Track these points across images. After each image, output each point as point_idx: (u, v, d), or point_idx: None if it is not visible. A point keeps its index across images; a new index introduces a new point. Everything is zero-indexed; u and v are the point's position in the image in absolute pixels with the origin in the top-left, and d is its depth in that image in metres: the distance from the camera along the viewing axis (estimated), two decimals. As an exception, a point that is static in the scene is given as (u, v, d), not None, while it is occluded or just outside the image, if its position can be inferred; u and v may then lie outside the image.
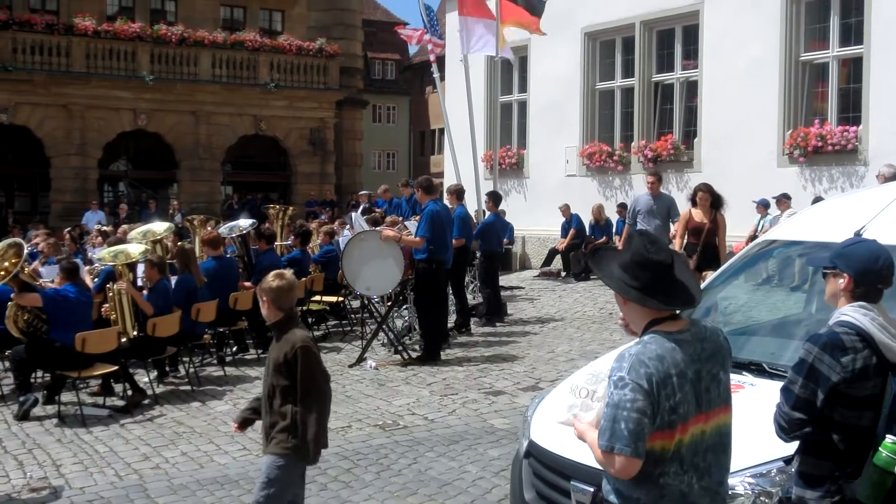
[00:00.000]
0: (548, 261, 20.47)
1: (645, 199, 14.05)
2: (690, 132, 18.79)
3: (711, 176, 17.55)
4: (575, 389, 3.67)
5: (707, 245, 11.86)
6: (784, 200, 15.80)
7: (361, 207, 21.88)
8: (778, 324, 6.11)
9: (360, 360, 11.96)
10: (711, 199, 12.02)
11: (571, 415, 3.58)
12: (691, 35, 18.62)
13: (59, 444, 8.73)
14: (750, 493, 3.96)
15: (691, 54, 18.70)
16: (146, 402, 10.22)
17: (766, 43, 16.90)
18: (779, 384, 3.92)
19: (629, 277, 3.41)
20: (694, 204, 12.14)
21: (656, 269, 3.40)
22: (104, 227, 20.30)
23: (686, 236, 12.12)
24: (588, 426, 3.50)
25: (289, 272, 5.70)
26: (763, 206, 16.39)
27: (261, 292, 5.50)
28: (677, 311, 3.47)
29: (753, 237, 14.38)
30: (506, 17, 17.95)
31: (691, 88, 18.76)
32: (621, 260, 3.47)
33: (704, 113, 18.18)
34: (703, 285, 6.10)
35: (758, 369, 4.81)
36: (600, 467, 4.06)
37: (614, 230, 19.06)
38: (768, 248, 6.17)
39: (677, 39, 18.96)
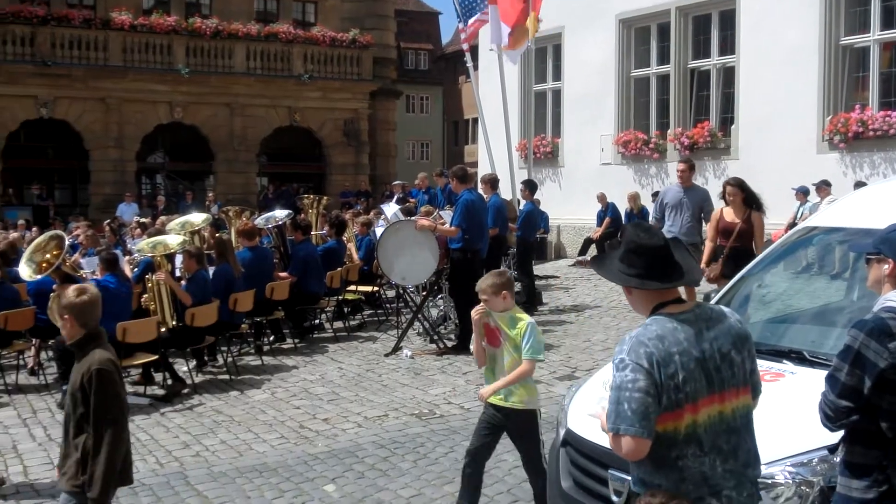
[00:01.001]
0: (583, 249, 20.41)
1: (674, 191, 12.31)
2: (727, 119, 18.64)
3: (749, 163, 17.46)
4: (605, 384, 3.68)
5: (737, 250, 10.11)
6: (824, 187, 15.66)
7: (396, 197, 21.89)
8: (819, 311, 6.04)
9: (396, 349, 12.00)
10: (744, 196, 10.40)
11: (600, 407, 3.59)
12: (728, 21, 18.45)
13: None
14: (791, 482, 3.92)
15: (728, 40, 18.53)
16: (185, 391, 10.31)
17: (806, 27, 16.72)
18: (820, 372, 3.89)
19: (626, 266, 3.47)
20: (726, 202, 10.66)
21: (651, 253, 3.45)
22: (143, 219, 20.49)
23: (717, 239, 10.56)
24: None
25: (92, 286, 5.22)
26: (802, 193, 16.24)
27: (60, 308, 5.03)
28: (682, 296, 3.51)
29: (793, 225, 14.24)
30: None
31: (728, 75, 18.60)
32: (618, 253, 3.52)
33: (742, 99, 18.03)
34: (726, 287, 6.06)
35: (798, 357, 4.76)
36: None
37: (650, 219, 18.94)
38: (808, 236, 6.10)
39: (714, 25, 18.79)
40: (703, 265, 10.12)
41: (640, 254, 3.44)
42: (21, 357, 11.65)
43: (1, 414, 9.51)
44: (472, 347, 6.39)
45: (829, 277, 6.60)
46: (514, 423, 5.96)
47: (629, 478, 4.10)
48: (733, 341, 3.42)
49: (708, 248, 10.66)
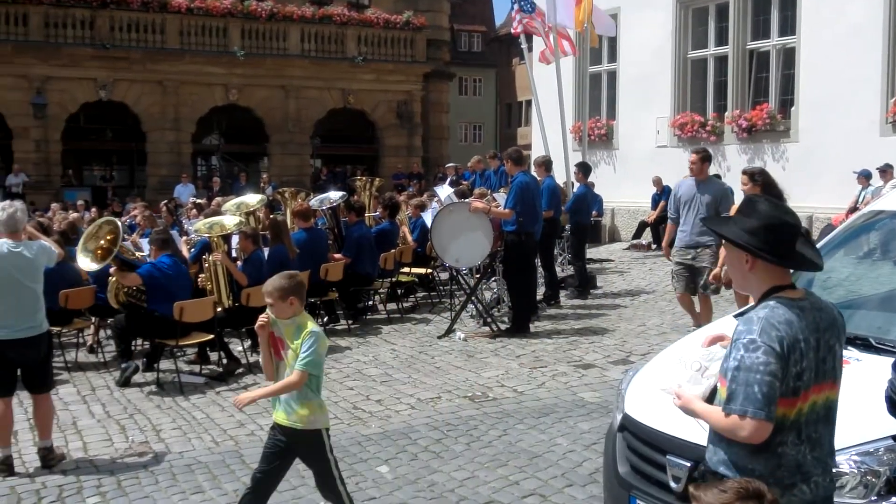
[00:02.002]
0: (638, 233, 20.25)
1: (687, 185, 10.85)
2: (787, 101, 18.33)
3: (809, 146, 17.21)
4: (686, 362, 3.63)
5: None
6: (888, 171, 15.37)
7: (449, 180, 21.89)
8: (884, 298, 5.90)
9: (449, 331, 12.00)
10: (763, 188, 9.10)
11: (676, 384, 3.54)
12: (788, 0, 18.12)
13: (158, 410, 8.95)
14: (856, 471, 3.86)
15: (788, 20, 18.21)
16: (240, 370, 10.40)
17: (868, 7, 16.37)
18: (886, 359, 3.81)
19: (759, 240, 3.36)
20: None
21: (788, 231, 3.38)
22: (199, 200, 20.68)
23: None
24: (694, 397, 3.48)
25: None
26: (864, 176, 15.94)
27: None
28: (793, 283, 3.45)
29: (854, 209, 13.99)
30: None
31: (788, 56, 18.28)
32: (746, 224, 3.41)
33: (802, 81, 17.71)
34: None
35: (864, 344, 4.67)
36: (698, 441, 4.02)
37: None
38: (873, 220, 5.98)
39: (773, 5, 18.46)
40: (717, 268, 9.71)
41: (777, 231, 3.36)
42: (81, 335, 11.83)
43: (61, 391, 9.66)
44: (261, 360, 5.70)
45: (894, 263, 6.46)
46: (299, 445, 5.39)
47: (688, 464, 4.09)
48: (837, 333, 3.39)
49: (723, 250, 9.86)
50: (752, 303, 3.50)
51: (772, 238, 3.35)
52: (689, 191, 10.64)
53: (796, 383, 3.22)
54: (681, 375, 3.60)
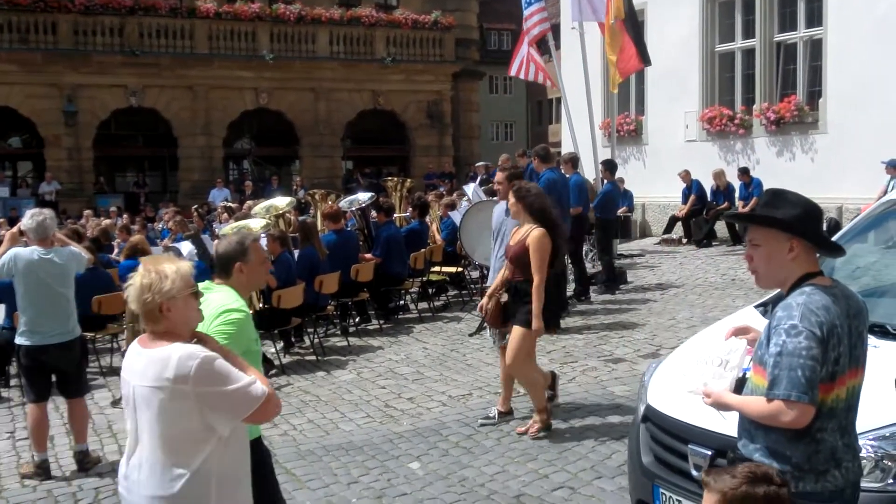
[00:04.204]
0: (668, 228, 20.18)
1: (499, 211, 9.23)
2: (815, 93, 18.20)
3: (838, 138, 17.08)
4: (706, 360, 3.67)
5: (515, 284, 7.63)
6: (916, 161, 15.23)
7: (479, 178, 21.91)
8: (901, 285, 5.93)
9: (480, 329, 12.01)
10: (525, 203, 7.52)
11: (702, 383, 3.58)
12: (815, -9, 18.01)
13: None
14: (872, 455, 3.89)
15: (815, 12, 18.08)
16: (273, 371, 10.50)
17: (897, -3, 16.24)
18: (902, 346, 3.83)
19: (806, 228, 3.42)
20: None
21: (820, 219, 3.50)
22: (230, 204, 20.86)
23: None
24: (724, 391, 3.51)
25: None
26: (893, 167, 15.80)
27: None
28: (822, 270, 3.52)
29: (883, 199, 13.88)
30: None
31: (815, 47, 18.15)
32: (789, 213, 3.44)
33: (830, 72, 17.57)
34: None
35: (881, 331, 4.69)
36: (718, 431, 4.05)
37: (736, 195, 18.66)
38: (893, 209, 5.98)
39: (800, -3, 18.36)
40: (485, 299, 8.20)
41: (816, 217, 3.46)
42: (115, 340, 11.99)
43: (96, 395, 9.82)
44: None
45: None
46: None
47: (709, 453, 4.12)
48: (864, 320, 3.44)
49: (497, 280, 8.09)
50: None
51: (814, 224, 3.44)
52: (498, 217, 9.18)
53: (834, 368, 3.26)
54: (704, 374, 3.63)
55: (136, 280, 3.65)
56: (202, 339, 3.75)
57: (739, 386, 3.54)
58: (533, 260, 7.34)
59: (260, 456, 4.44)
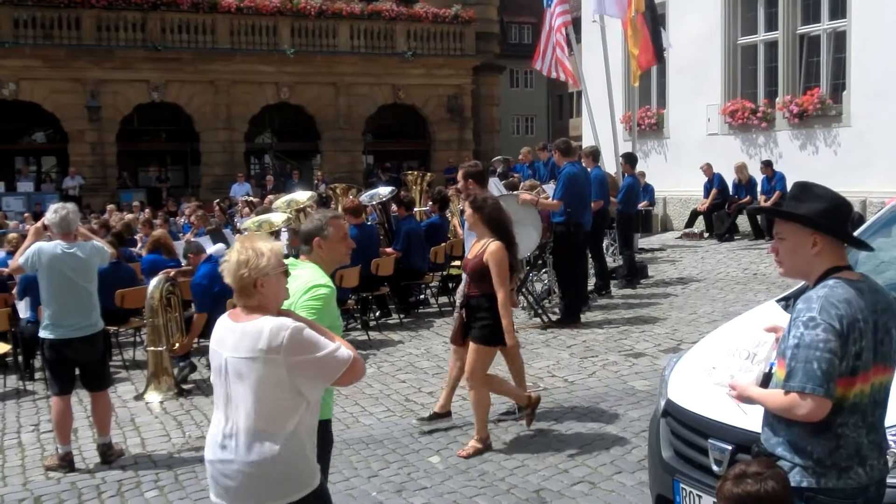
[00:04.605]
0: (690, 222, 20.11)
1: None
2: (839, 85, 18.08)
3: (862, 130, 16.96)
4: (734, 352, 3.66)
5: (471, 300, 7.35)
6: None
7: (497, 173, 21.89)
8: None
9: (501, 323, 12.01)
10: (483, 215, 7.25)
11: (728, 376, 3.58)
12: (839, -17, 17.88)
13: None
14: (893, 450, 3.86)
15: (838, 4, 17.95)
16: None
17: (921, -13, 16.10)
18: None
19: (831, 222, 3.40)
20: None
21: (849, 212, 3.46)
22: (251, 198, 20.94)
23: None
24: (749, 384, 3.51)
25: None
26: (918, 160, 15.69)
27: None
28: (850, 264, 3.48)
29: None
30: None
31: (839, 39, 18.02)
32: (813, 207, 3.42)
33: (854, 65, 17.43)
34: None
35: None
36: (738, 425, 4.04)
37: (759, 189, 18.56)
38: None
39: (824, -11, 18.24)
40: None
41: (843, 211, 3.43)
42: (137, 334, 12.06)
43: (119, 388, 9.87)
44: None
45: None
46: None
47: (729, 447, 4.12)
48: (893, 316, 3.39)
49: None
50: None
51: (840, 218, 3.41)
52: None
53: (855, 363, 3.24)
54: (731, 366, 3.63)
55: (232, 256, 3.85)
56: (286, 315, 3.90)
57: (766, 380, 3.54)
58: (494, 275, 7.03)
59: (329, 437, 4.72)
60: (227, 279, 3.89)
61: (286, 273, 3.96)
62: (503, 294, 7.07)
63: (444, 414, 7.96)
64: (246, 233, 12.97)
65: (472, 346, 7.24)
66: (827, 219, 3.39)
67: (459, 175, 8.87)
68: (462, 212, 15.62)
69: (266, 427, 3.78)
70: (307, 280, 4.58)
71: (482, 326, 7.17)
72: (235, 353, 3.80)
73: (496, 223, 7.23)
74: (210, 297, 9.95)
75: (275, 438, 3.77)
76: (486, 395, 7.35)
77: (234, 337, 3.83)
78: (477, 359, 7.19)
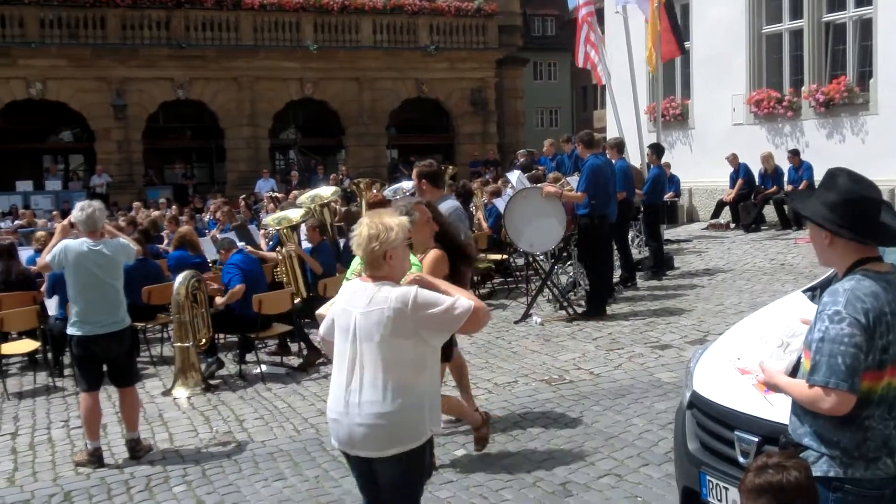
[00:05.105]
0: (716, 213, 19.99)
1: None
2: (865, 73, 17.91)
3: (889, 119, 16.81)
4: (767, 339, 3.64)
5: None
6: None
7: (519, 164, 21.85)
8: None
9: (526, 316, 12.03)
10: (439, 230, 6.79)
11: (758, 360, 3.56)
12: (864, -30, 17.71)
13: (241, 401, 9.15)
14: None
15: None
16: (320, 360, 10.55)
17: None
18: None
19: (838, 216, 3.36)
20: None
21: (868, 206, 3.37)
22: (276, 194, 21.00)
23: None
24: (778, 372, 3.50)
25: None
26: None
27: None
28: (880, 255, 3.43)
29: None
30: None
31: (865, 27, 17.85)
32: (826, 199, 3.40)
33: (880, 52, 17.27)
34: None
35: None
36: (765, 417, 4.03)
37: (785, 179, 18.42)
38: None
39: (849, -24, 18.07)
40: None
41: (857, 204, 3.36)
42: (164, 330, 12.13)
43: (147, 384, 9.94)
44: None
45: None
46: None
47: (756, 439, 4.09)
48: None
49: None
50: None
51: (851, 213, 3.34)
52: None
53: (882, 357, 3.22)
54: (762, 352, 3.61)
55: (362, 231, 4.25)
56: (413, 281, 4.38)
57: (796, 371, 3.52)
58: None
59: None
60: (358, 252, 4.34)
61: (410, 245, 4.51)
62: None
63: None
64: (269, 229, 13.07)
65: None
66: (836, 213, 3.35)
67: (413, 174, 8.45)
68: (486, 205, 15.71)
69: (390, 383, 4.20)
70: None
71: None
72: (366, 312, 4.24)
73: (438, 233, 6.66)
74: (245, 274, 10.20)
75: (396, 394, 4.19)
76: (447, 399, 6.79)
77: (364, 298, 4.27)
78: None
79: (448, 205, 7.99)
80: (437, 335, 4.28)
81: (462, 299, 4.24)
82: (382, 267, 4.27)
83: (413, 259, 5.04)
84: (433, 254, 6.69)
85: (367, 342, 4.23)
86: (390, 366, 4.20)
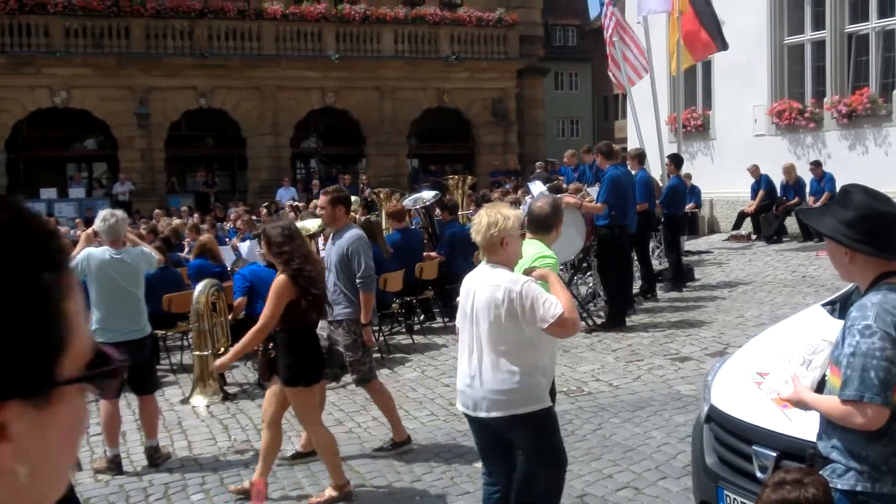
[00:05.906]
0: (737, 224, 19.92)
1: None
2: (888, 84, 17.83)
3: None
4: (788, 358, 3.64)
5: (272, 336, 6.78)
6: None
7: (538, 173, 21.84)
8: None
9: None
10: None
11: (783, 381, 3.56)
12: (887, -19, 17.64)
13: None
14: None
15: (887, 1, 17.70)
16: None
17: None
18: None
19: (857, 233, 3.35)
20: None
21: (886, 220, 3.37)
22: (297, 203, 21.06)
23: None
24: (804, 388, 3.50)
25: None
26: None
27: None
28: None
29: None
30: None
31: (888, 38, 17.78)
32: (843, 216, 3.39)
33: (903, 63, 17.23)
34: None
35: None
36: (783, 431, 4.01)
37: (807, 190, 18.34)
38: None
39: (872, -13, 17.99)
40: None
41: (873, 220, 3.36)
42: (185, 338, 12.19)
43: (167, 392, 9.99)
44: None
45: None
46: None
47: (774, 454, 4.07)
48: None
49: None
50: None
51: (869, 229, 3.34)
52: (329, 245, 8.08)
53: None
54: (785, 371, 3.61)
55: (481, 220, 4.81)
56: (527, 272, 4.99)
57: (821, 386, 3.51)
58: (267, 302, 6.43)
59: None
60: (476, 238, 4.87)
61: (523, 236, 5.00)
62: (261, 323, 6.46)
63: (309, 453, 7.30)
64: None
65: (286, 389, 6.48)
66: (855, 230, 3.35)
67: (324, 200, 7.82)
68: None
69: (504, 362, 4.77)
70: (535, 251, 5.52)
71: (285, 366, 6.41)
72: (482, 293, 4.80)
73: (279, 255, 6.45)
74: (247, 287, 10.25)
75: (511, 372, 4.77)
76: (325, 436, 6.60)
77: (482, 283, 4.84)
78: (293, 403, 6.52)
79: (351, 234, 7.61)
80: (531, 327, 4.73)
81: (558, 305, 4.66)
82: (499, 252, 4.81)
83: (548, 251, 5.56)
84: (278, 278, 6.37)
85: (484, 322, 4.79)
86: (503, 346, 4.77)
